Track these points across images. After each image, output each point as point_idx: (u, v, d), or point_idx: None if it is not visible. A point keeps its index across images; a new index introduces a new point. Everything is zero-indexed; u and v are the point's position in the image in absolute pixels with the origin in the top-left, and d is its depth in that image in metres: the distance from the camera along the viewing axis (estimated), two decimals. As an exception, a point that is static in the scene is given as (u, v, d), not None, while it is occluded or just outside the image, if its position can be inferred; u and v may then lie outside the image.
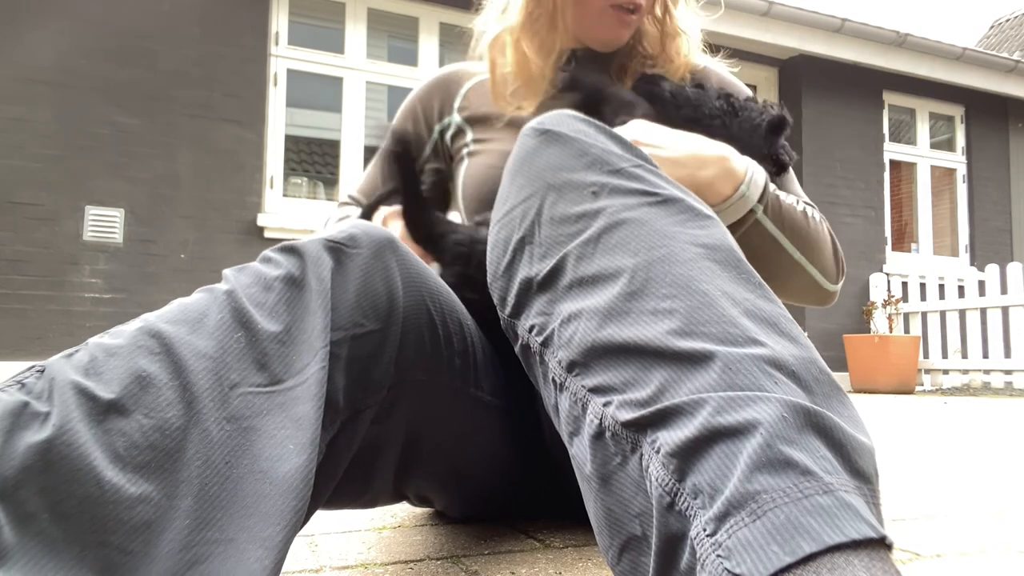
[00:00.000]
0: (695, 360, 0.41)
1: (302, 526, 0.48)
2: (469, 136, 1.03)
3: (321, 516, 0.99)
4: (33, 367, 0.43)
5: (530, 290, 0.52)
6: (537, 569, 0.73)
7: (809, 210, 0.86)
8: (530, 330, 0.52)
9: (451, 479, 0.79)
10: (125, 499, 0.38)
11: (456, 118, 1.05)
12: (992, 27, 13.43)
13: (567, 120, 0.58)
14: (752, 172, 0.79)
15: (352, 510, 0.92)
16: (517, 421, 0.81)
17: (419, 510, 1.03)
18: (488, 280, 0.59)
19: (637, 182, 0.52)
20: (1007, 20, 13.11)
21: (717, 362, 0.40)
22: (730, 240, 0.50)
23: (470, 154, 1.02)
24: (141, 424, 0.41)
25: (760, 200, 0.79)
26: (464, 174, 1.01)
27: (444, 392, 0.68)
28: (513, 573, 0.71)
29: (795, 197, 0.87)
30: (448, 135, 1.06)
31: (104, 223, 4.18)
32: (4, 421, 0.38)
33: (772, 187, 0.81)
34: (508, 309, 0.55)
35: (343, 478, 0.59)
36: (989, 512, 1.07)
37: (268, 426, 0.45)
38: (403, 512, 1.03)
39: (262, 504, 0.42)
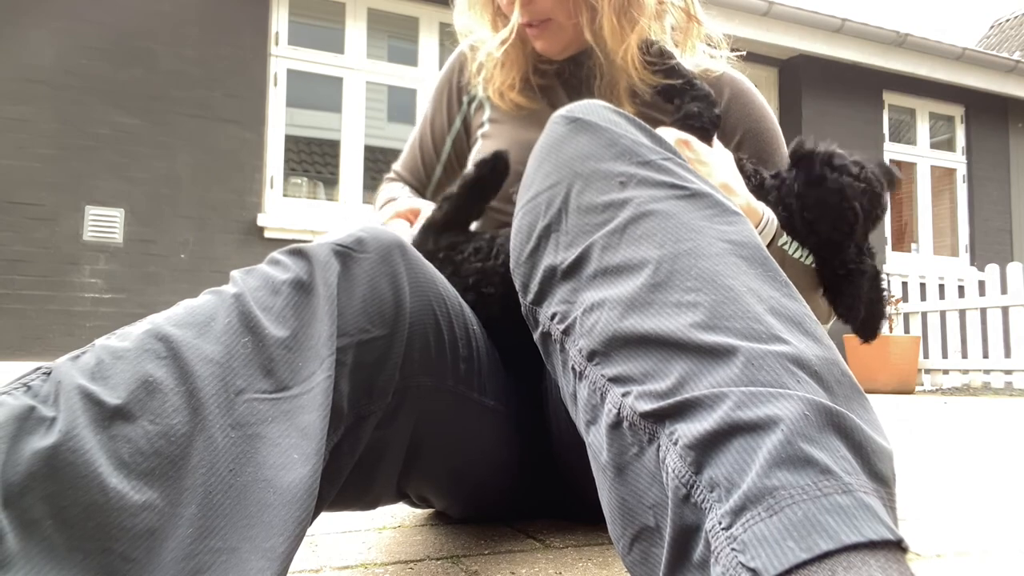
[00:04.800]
0: (717, 354, 0.41)
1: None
2: (487, 113, 1.05)
3: (321, 516, 0.99)
4: (39, 368, 0.42)
5: (554, 278, 0.52)
6: (537, 569, 0.73)
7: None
8: (552, 318, 0.52)
9: (453, 482, 0.79)
10: (129, 506, 0.38)
11: (480, 91, 1.06)
12: (992, 27, 13.43)
13: (598, 109, 0.57)
14: (768, 218, 0.82)
15: (352, 511, 0.93)
16: (519, 426, 0.81)
17: (419, 510, 1.03)
18: (511, 266, 0.59)
19: (666, 175, 0.52)
20: (1007, 20, 13.10)
21: (740, 357, 0.40)
22: (757, 238, 0.50)
23: (483, 136, 1.04)
24: (147, 430, 0.41)
25: (767, 247, 0.82)
26: (473, 157, 1.03)
27: (448, 397, 0.68)
28: (513, 573, 0.72)
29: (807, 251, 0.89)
30: (473, 107, 1.09)
31: (104, 223, 4.18)
32: (10, 426, 0.38)
33: (782, 239, 0.85)
34: (530, 296, 0.55)
35: (346, 481, 0.59)
36: (989, 512, 1.07)
37: (273, 434, 0.45)
38: (403, 512, 1.03)
39: (265, 514, 0.42)
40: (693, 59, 0.99)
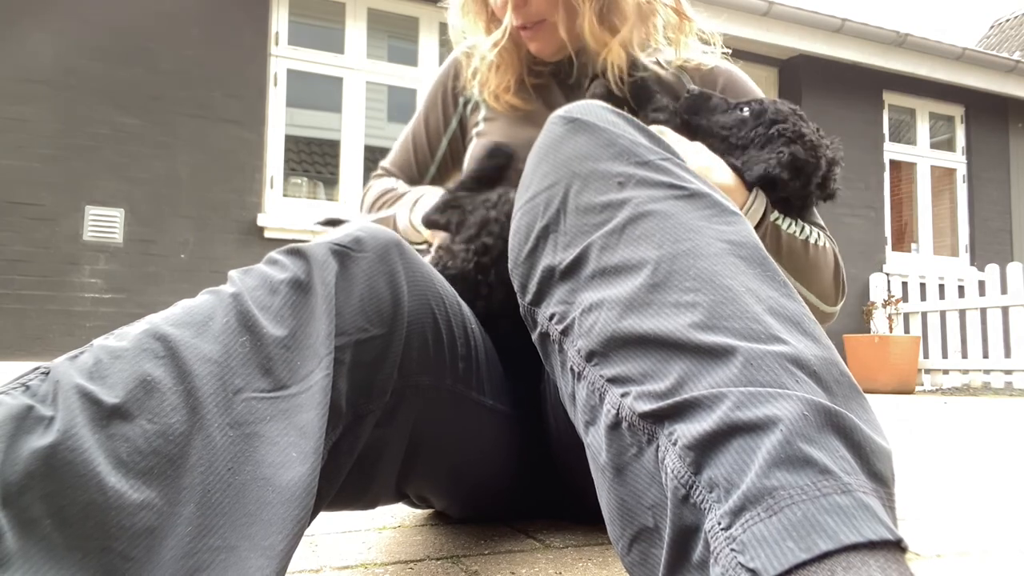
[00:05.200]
0: (716, 354, 0.41)
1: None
2: (482, 112, 1.06)
3: (321, 516, 0.99)
4: (37, 368, 0.42)
5: (552, 278, 0.52)
6: (537, 569, 0.73)
7: (815, 236, 0.88)
8: (550, 318, 0.52)
9: (452, 482, 0.79)
10: (128, 505, 0.38)
11: (476, 93, 1.07)
12: (992, 27, 13.42)
13: (596, 110, 0.57)
14: (755, 197, 0.82)
15: (352, 511, 0.93)
16: (518, 426, 0.81)
17: (419, 510, 1.03)
18: (509, 266, 0.59)
19: (664, 175, 0.52)
20: (1007, 20, 13.09)
21: (738, 357, 0.40)
22: (755, 238, 0.50)
23: (478, 134, 1.05)
24: (145, 429, 0.41)
25: (759, 226, 0.82)
26: (469, 154, 1.04)
27: (447, 396, 0.68)
28: (513, 573, 0.72)
29: (804, 224, 0.88)
30: (469, 108, 1.09)
31: (104, 223, 4.18)
32: (8, 425, 0.38)
33: (774, 214, 0.84)
34: (529, 296, 0.55)
35: (344, 480, 0.59)
36: (989, 512, 1.07)
37: (271, 432, 0.45)
38: (403, 512, 1.03)
39: (264, 512, 0.42)
40: (687, 54, 1.01)
